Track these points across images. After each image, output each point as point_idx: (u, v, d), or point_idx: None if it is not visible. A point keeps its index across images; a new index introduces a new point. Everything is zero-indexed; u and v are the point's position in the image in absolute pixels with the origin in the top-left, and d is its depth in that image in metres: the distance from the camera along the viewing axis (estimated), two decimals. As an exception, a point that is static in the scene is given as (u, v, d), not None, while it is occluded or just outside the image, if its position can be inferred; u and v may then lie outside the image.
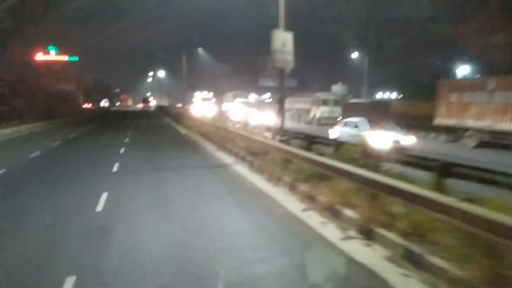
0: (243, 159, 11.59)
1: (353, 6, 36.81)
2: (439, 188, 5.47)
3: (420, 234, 4.50)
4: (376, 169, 6.68)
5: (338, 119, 23.85)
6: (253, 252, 4.82)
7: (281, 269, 4.33)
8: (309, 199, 6.87)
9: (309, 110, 33.06)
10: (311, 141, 10.74)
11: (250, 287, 3.96)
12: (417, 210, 4.53)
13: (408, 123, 19.69)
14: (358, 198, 5.67)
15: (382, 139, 11.64)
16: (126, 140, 18.93)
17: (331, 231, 5.52)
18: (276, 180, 8.59)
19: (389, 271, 4.23)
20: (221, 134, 15.97)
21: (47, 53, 37.72)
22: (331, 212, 6.08)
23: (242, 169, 10.60)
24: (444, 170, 5.88)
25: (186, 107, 43.06)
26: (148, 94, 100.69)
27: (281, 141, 10.84)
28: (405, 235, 4.63)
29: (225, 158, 12.71)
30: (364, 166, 6.56)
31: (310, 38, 41.90)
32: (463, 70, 33.78)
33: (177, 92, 69.77)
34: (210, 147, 15.54)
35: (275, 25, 11.06)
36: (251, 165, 10.68)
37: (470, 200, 4.20)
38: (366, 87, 42.70)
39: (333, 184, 6.51)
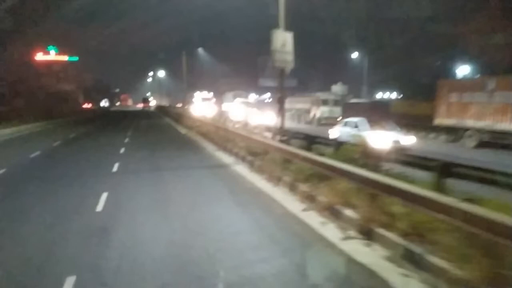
0: (243, 159, 11.59)
1: (353, 6, 36.83)
2: (439, 188, 5.46)
3: (420, 234, 4.50)
4: (376, 169, 6.68)
5: (338, 119, 23.84)
6: (253, 252, 4.82)
7: (281, 269, 4.33)
8: (309, 199, 6.88)
9: (309, 110, 33.04)
10: (311, 141, 10.73)
11: (250, 287, 3.96)
12: (417, 210, 4.53)
13: (408, 123, 19.68)
14: (358, 198, 5.66)
15: (382, 139, 11.64)
16: (126, 140, 18.92)
17: (331, 231, 5.52)
18: (276, 180, 8.59)
19: (389, 271, 4.23)
20: (221, 134, 15.97)
21: (47, 53, 37.67)
22: (331, 212, 6.08)
23: (242, 169, 10.60)
24: (444, 170, 5.88)
25: (186, 107, 43.07)
26: (148, 94, 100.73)
27: (281, 141, 10.84)
28: (405, 235, 4.63)
29: (225, 158, 12.71)
30: (364, 166, 6.55)
31: (310, 38, 41.92)
32: (463, 70, 33.78)
33: (177, 92, 69.77)
34: (210, 147, 15.54)
35: (275, 25, 11.07)
36: (251, 165, 10.67)
37: (470, 200, 4.19)
38: (366, 87, 42.63)
39: (333, 184, 6.50)
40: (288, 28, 11.17)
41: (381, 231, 4.95)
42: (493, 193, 4.98)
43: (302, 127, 27.18)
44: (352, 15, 38.04)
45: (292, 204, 6.99)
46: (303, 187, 7.34)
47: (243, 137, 13.17)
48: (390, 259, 4.52)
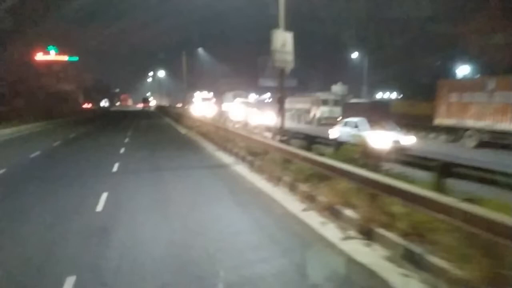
0: (243, 159, 11.58)
1: (353, 6, 36.84)
2: (439, 188, 5.46)
3: (420, 234, 4.50)
4: (376, 169, 6.68)
5: (338, 119, 23.84)
6: (253, 252, 4.82)
7: (281, 269, 4.33)
8: (309, 199, 6.88)
9: (309, 110, 33.05)
10: (311, 141, 10.73)
11: (250, 287, 3.96)
12: (417, 210, 4.53)
13: (408, 123, 19.68)
14: (358, 198, 5.66)
15: (382, 139, 11.64)
16: (126, 140, 18.92)
17: (331, 231, 5.52)
18: (276, 180, 8.59)
19: (389, 271, 4.23)
20: (221, 134, 15.97)
21: (47, 53, 37.65)
22: (331, 212, 6.08)
23: (242, 169, 10.60)
24: (444, 170, 5.88)
25: (186, 107, 43.08)
26: (148, 94, 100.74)
27: (281, 141, 10.84)
28: (405, 235, 4.63)
29: (225, 158, 12.70)
30: (364, 166, 6.55)
31: (310, 38, 41.92)
32: (463, 70, 33.79)
33: (177, 92, 69.79)
34: (210, 147, 15.53)
35: (275, 25, 11.07)
36: (251, 165, 10.67)
37: (470, 200, 4.20)
38: (366, 87, 42.63)
39: (333, 184, 6.50)
40: (288, 28, 11.17)
41: (381, 231, 4.95)
42: (493, 193, 4.98)
43: (302, 127, 27.18)
44: (352, 15, 38.09)
45: (292, 204, 6.99)
46: (303, 187, 7.34)
47: (243, 137, 13.17)
48: (390, 259, 4.52)
